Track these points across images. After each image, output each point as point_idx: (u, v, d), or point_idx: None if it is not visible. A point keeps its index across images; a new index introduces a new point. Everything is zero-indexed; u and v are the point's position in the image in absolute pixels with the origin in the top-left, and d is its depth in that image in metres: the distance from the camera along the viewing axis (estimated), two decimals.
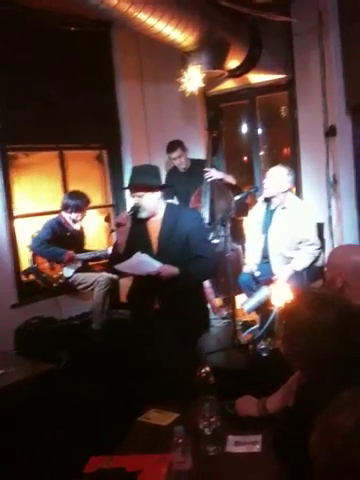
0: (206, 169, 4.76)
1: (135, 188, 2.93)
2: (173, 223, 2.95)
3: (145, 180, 2.94)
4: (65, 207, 4.51)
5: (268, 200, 4.12)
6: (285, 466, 1.50)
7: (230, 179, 4.92)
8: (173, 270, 2.85)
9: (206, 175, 4.73)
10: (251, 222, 4.36)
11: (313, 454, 0.95)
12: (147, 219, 2.98)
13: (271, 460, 1.63)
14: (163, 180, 5.08)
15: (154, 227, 2.98)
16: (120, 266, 2.87)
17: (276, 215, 4.05)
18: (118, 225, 2.95)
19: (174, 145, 4.97)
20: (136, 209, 2.92)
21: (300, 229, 3.93)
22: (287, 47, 5.11)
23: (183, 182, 4.98)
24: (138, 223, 2.95)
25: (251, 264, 4.21)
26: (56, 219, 4.54)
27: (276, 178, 3.98)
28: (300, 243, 3.95)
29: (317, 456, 0.94)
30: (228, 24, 4.50)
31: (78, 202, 4.46)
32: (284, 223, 3.99)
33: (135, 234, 2.93)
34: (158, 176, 3.06)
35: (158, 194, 2.98)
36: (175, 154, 4.96)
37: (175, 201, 5.01)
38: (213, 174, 4.75)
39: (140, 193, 2.91)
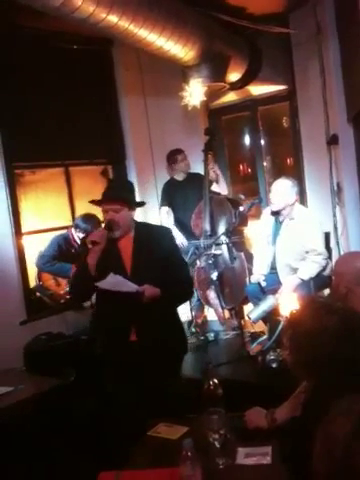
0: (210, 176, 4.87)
1: (112, 201, 2.64)
2: (147, 242, 2.70)
3: (124, 194, 2.69)
4: (75, 226, 4.58)
5: (276, 213, 4.13)
6: (295, 477, 1.49)
7: (222, 184, 5.01)
8: (155, 291, 2.57)
9: (209, 166, 4.87)
10: (259, 234, 4.37)
11: (315, 462, 0.95)
12: (118, 238, 2.70)
13: (282, 471, 1.62)
14: (162, 189, 5.25)
15: (126, 246, 2.70)
16: (101, 284, 2.55)
17: (284, 226, 4.06)
18: (93, 243, 2.59)
19: (177, 150, 5.16)
20: (110, 226, 2.63)
21: (307, 239, 3.94)
22: (287, 58, 5.17)
23: (180, 193, 5.11)
24: (109, 242, 2.64)
25: (258, 274, 4.21)
26: (64, 235, 4.59)
27: (282, 191, 3.99)
28: (307, 253, 3.95)
29: (319, 464, 0.94)
30: (227, 38, 4.56)
31: (87, 227, 4.48)
32: (292, 234, 4.00)
33: (106, 254, 2.61)
34: (134, 193, 2.83)
35: (133, 212, 2.75)
36: (181, 156, 5.12)
37: (170, 210, 5.14)
38: (215, 169, 4.90)
39: (117, 207, 2.63)
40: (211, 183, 4.97)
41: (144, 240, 2.71)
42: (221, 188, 5.03)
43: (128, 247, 2.70)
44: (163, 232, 2.90)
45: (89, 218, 4.55)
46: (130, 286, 2.54)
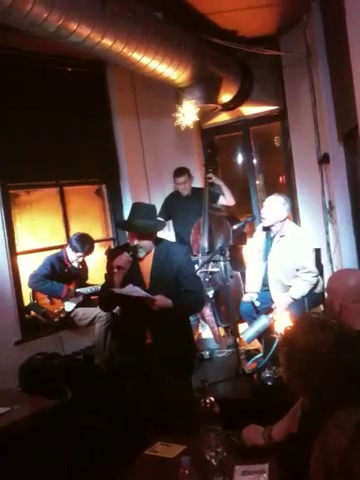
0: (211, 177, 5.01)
1: (141, 235, 2.90)
2: (164, 258, 2.97)
3: (148, 222, 2.95)
4: (69, 243, 4.60)
5: (267, 229, 4.18)
6: None
7: (227, 194, 5.07)
8: (167, 301, 2.85)
9: (208, 175, 4.95)
10: (252, 250, 4.41)
11: (312, 477, 0.97)
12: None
13: None
14: (164, 200, 5.32)
15: (146, 264, 2.98)
16: (117, 290, 2.85)
17: (275, 243, 4.10)
18: (119, 268, 2.88)
19: (182, 171, 5.18)
20: (136, 250, 2.91)
21: (297, 257, 3.97)
22: (278, 79, 5.28)
23: (182, 206, 5.18)
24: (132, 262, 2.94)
25: (251, 293, 4.24)
26: (57, 254, 4.60)
27: (273, 207, 4.04)
28: (297, 270, 3.99)
29: (316, 478, 0.96)
30: (219, 60, 4.65)
31: (77, 245, 4.52)
32: (283, 251, 4.03)
33: (128, 272, 2.91)
34: (156, 216, 3.13)
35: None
36: (182, 179, 5.15)
37: (169, 224, 5.21)
38: (213, 179, 4.97)
39: (143, 235, 2.91)
40: (217, 197, 5.03)
41: (161, 258, 2.98)
42: (227, 200, 5.10)
43: (148, 265, 2.98)
44: (179, 248, 3.20)
45: (83, 238, 4.56)
46: (143, 293, 2.80)
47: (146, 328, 2.92)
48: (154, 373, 2.91)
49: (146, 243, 2.93)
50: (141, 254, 2.93)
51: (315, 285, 4.01)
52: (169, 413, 2.76)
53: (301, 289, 3.95)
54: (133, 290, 2.80)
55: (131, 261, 2.89)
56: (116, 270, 2.88)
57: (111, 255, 3.05)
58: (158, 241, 3.05)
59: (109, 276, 3.00)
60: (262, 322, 3.80)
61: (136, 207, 3.10)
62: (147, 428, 2.72)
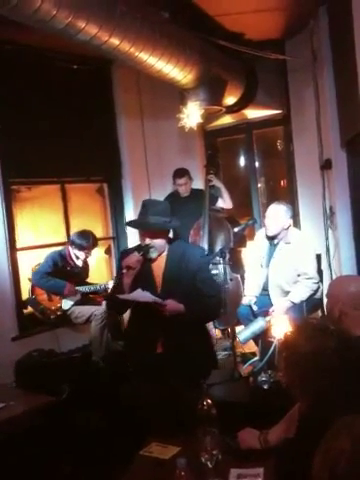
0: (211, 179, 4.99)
1: (152, 229, 2.73)
2: (178, 261, 2.79)
3: (162, 222, 2.78)
4: (71, 242, 4.59)
5: (271, 237, 4.16)
6: None
7: (226, 197, 5.06)
8: (178, 306, 2.67)
9: (209, 177, 4.93)
10: (253, 255, 4.40)
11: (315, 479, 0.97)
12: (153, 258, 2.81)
13: None
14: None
15: (158, 265, 2.81)
16: (122, 296, 2.70)
17: (279, 249, 4.10)
18: (128, 268, 2.70)
19: (182, 172, 5.18)
20: (147, 250, 2.74)
21: (300, 262, 3.98)
22: (282, 83, 5.28)
23: (182, 207, 5.13)
24: (143, 262, 2.76)
25: (249, 296, 4.24)
26: (60, 251, 4.59)
27: (277, 217, 4.04)
28: (299, 276, 3.99)
29: None
30: (225, 62, 4.65)
31: (83, 242, 4.50)
32: (287, 257, 4.04)
33: (139, 273, 2.74)
34: (169, 213, 2.90)
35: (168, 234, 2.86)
36: (182, 180, 5.15)
37: None
38: (214, 181, 4.95)
39: (155, 233, 2.75)
40: (216, 199, 5.03)
41: (176, 260, 2.80)
42: (226, 203, 5.09)
43: (160, 267, 2.81)
44: (196, 251, 3.00)
45: (85, 234, 4.56)
46: (152, 298, 2.64)
47: (157, 336, 2.74)
48: (163, 379, 2.71)
49: (159, 242, 2.75)
50: (153, 254, 2.76)
51: (315, 291, 4.01)
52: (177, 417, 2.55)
53: (301, 294, 3.96)
54: (141, 295, 2.63)
55: (141, 261, 2.71)
56: (125, 271, 2.70)
57: (121, 257, 2.88)
58: (171, 241, 2.89)
59: (118, 279, 2.83)
60: (259, 324, 3.80)
61: (148, 204, 2.86)
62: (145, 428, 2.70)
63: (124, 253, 2.94)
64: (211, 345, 3.10)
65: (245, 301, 4.25)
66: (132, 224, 3.02)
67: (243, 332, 3.89)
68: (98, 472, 2.45)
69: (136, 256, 2.71)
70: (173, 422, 2.44)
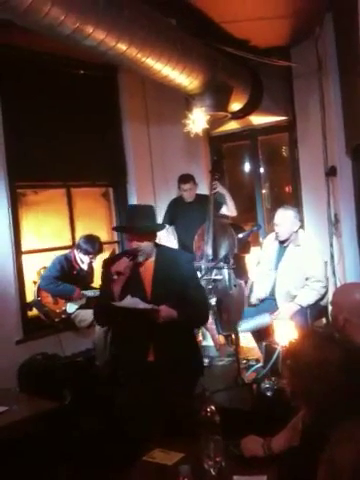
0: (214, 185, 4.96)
1: (138, 233, 2.71)
2: (167, 267, 2.76)
3: (148, 224, 2.77)
4: (77, 246, 4.60)
5: (282, 242, 4.17)
6: None
7: (230, 205, 5.07)
8: (171, 312, 2.63)
9: (213, 183, 4.92)
10: (261, 258, 4.41)
11: None
12: (141, 262, 2.78)
13: None
14: (167, 206, 5.30)
15: (147, 270, 2.77)
16: (117, 303, 2.62)
17: (288, 252, 4.11)
18: (119, 274, 2.66)
19: (188, 177, 5.18)
20: (135, 254, 2.71)
21: (309, 265, 3.99)
22: (287, 90, 5.29)
23: (185, 212, 5.19)
24: (132, 268, 2.73)
25: (256, 298, 4.26)
26: (66, 255, 4.60)
27: (285, 222, 4.07)
28: (307, 279, 4.00)
29: None
30: (231, 68, 4.67)
31: (88, 248, 4.51)
32: (296, 259, 4.05)
33: (128, 279, 2.70)
34: (156, 217, 2.93)
35: (155, 237, 2.85)
36: (187, 186, 5.16)
37: (171, 228, 5.23)
38: (218, 188, 4.94)
39: (142, 237, 2.72)
40: (220, 205, 5.04)
41: (165, 265, 2.77)
42: (230, 210, 5.10)
43: (149, 272, 2.77)
44: (182, 257, 2.96)
45: (92, 240, 4.57)
46: (145, 305, 2.60)
47: (148, 344, 2.70)
48: (153, 392, 2.64)
49: (146, 245, 2.72)
50: (141, 258, 2.73)
51: (322, 296, 4.01)
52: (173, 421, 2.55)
53: (309, 297, 3.96)
54: (133, 302, 2.59)
55: (131, 266, 2.69)
56: (116, 277, 2.67)
57: (107, 264, 2.83)
58: (162, 249, 2.87)
59: (106, 287, 2.77)
60: (264, 319, 3.79)
61: (133, 209, 2.91)
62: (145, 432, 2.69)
63: (107, 261, 2.91)
64: (199, 351, 3.08)
65: (252, 300, 4.28)
66: (119, 229, 2.99)
67: (246, 323, 3.89)
68: (99, 477, 2.45)
69: (126, 261, 2.69)
70: (170, 429, 2.41)
